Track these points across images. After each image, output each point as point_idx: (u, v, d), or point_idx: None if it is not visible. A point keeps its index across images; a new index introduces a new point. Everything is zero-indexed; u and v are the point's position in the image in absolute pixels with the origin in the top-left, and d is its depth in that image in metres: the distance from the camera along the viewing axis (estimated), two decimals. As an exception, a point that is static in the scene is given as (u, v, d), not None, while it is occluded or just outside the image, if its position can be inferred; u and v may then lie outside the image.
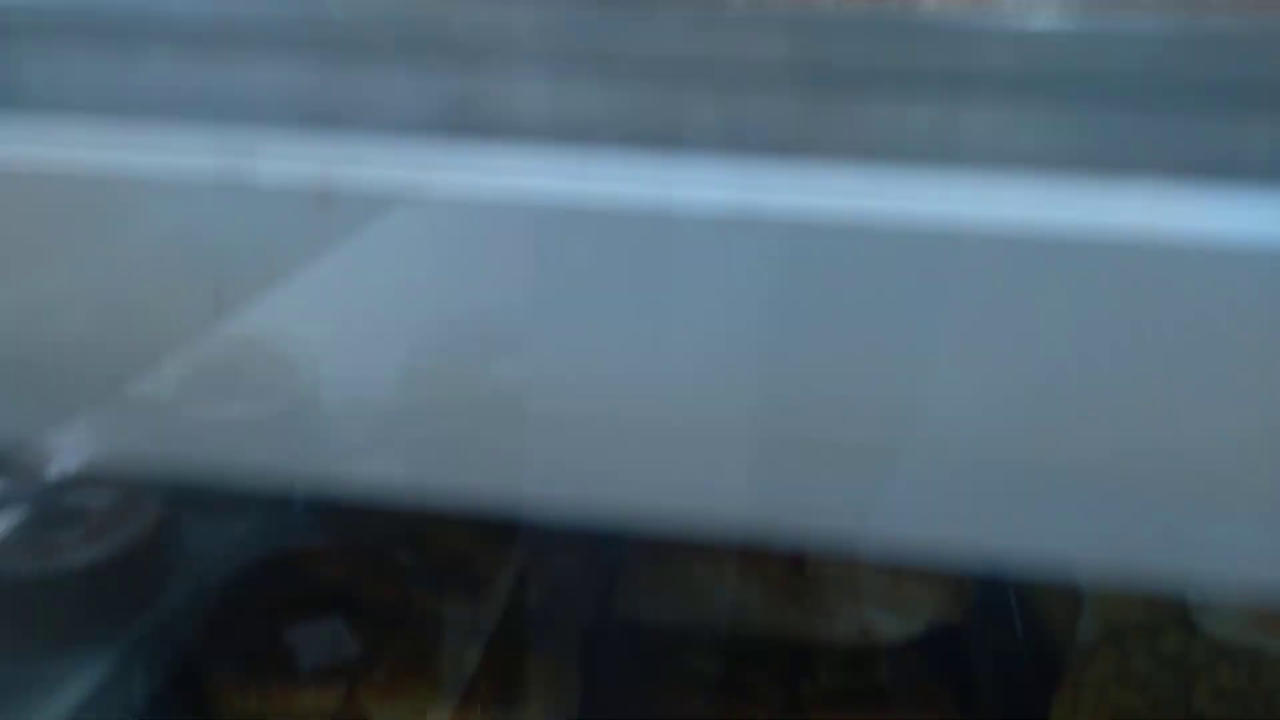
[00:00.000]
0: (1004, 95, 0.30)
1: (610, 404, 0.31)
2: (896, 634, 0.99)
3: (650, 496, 0.32)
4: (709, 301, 0.29)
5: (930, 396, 0.31)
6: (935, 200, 0.27)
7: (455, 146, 0.31)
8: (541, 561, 1.02)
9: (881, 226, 0.27)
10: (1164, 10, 0.30)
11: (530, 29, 0.32)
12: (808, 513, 0.34)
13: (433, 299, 0.30)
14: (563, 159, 0.29)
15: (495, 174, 0.30)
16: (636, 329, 0.30)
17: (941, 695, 0.94)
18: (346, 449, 0.33)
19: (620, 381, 0.30)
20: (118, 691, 0.86)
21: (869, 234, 0.27)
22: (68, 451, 0.34)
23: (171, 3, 0.37)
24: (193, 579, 0.94)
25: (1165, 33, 0.31)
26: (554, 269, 0.31)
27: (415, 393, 0.32)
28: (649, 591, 1.03)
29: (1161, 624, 0.87)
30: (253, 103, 0.35)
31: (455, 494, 0.33)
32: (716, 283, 0.30)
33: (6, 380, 0.34)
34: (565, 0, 0.31)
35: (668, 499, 0.33)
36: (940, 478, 0.32)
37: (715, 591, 1.02)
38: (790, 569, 1.00)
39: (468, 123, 0.34)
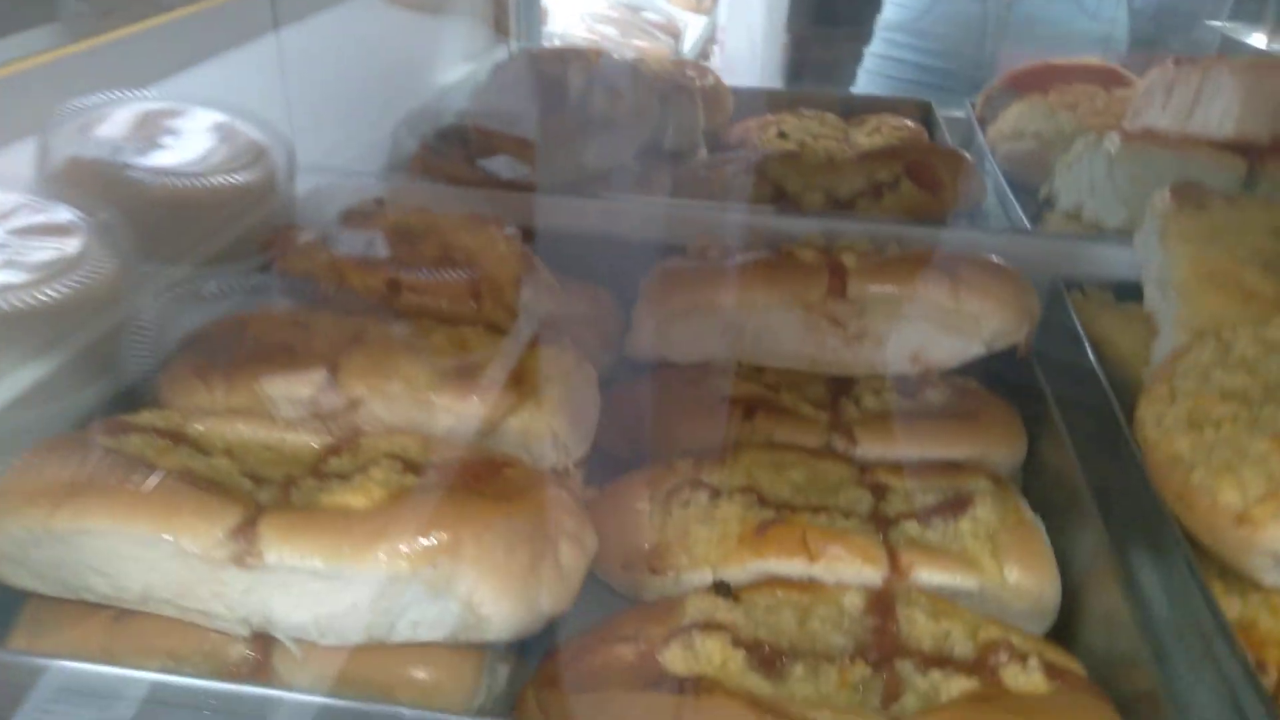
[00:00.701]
0: None
1: None
2: (952, 358, 0.89)
3: None
4: None
5: None
6: None
7: None
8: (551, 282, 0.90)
9: None
10: None
11: None
12: None
13: None
14: None
15: None
16: None
17: (1007, 414, 0.84)
18: None
19: None
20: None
21: None
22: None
23: None
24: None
25: None
26: None
27: None
28: (672, 325, 0.91)
29: (1264, 319, 0.77)
30: None
31: None
32: None
33: None
34: None
35: None
36: None
37: (747, 323, 0.90)
38: (832, 292, 0.88)
39: None
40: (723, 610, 0.62)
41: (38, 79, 0.90)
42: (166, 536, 0.56)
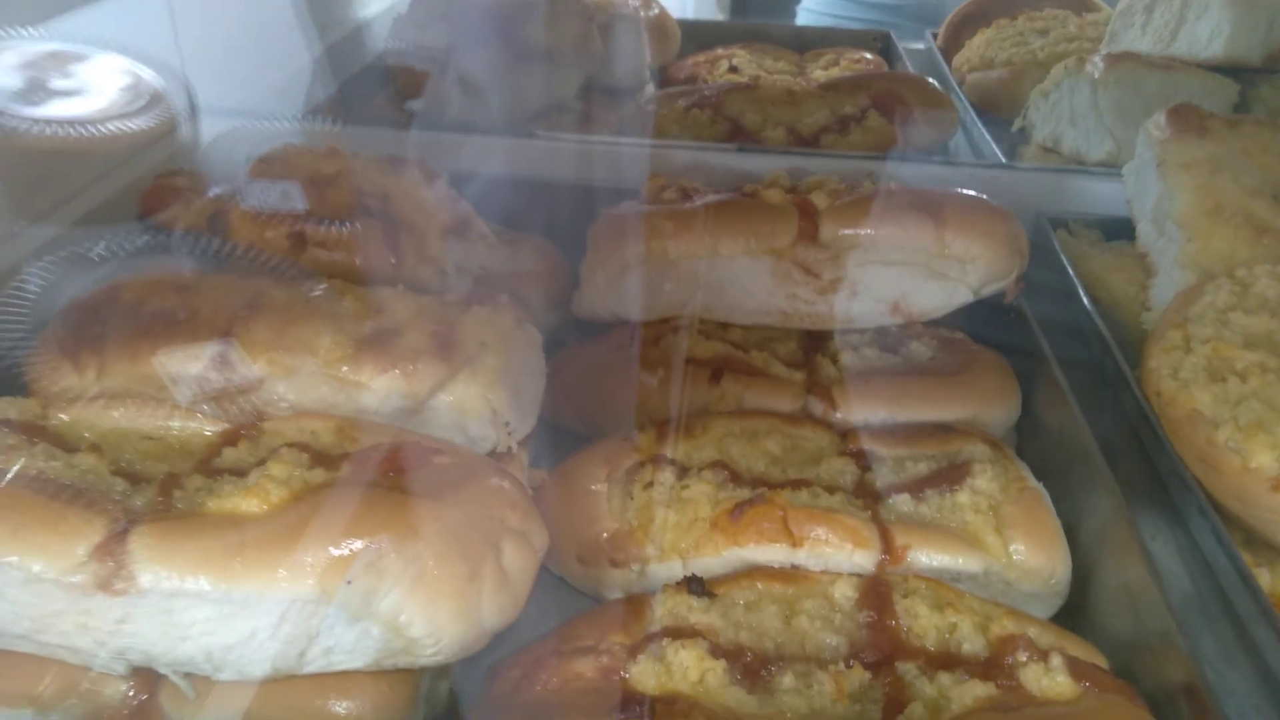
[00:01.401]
0: None
1: None
2: (937, 306, 0.80)
3: None
4: None
5: None
6: None
7: None
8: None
9: None
10: None
11: None
12: None
13: None
14: None
15: None
16: None
17: (1000, 368, 0.76)
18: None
19: None
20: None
21: None
22: None
23: None
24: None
25: None
26: None
27: None
28: (625, 278, 0.81)
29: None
30: None
31: None
32: None
33: None
34: None
35: None
36: None
37: (710, 274, 0.81)
38: (803, 237, 0.79)
39: None
40: (697, 611, 0.53)
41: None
42: (10, 559, 0.45)
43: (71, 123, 0.86)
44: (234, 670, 0.47)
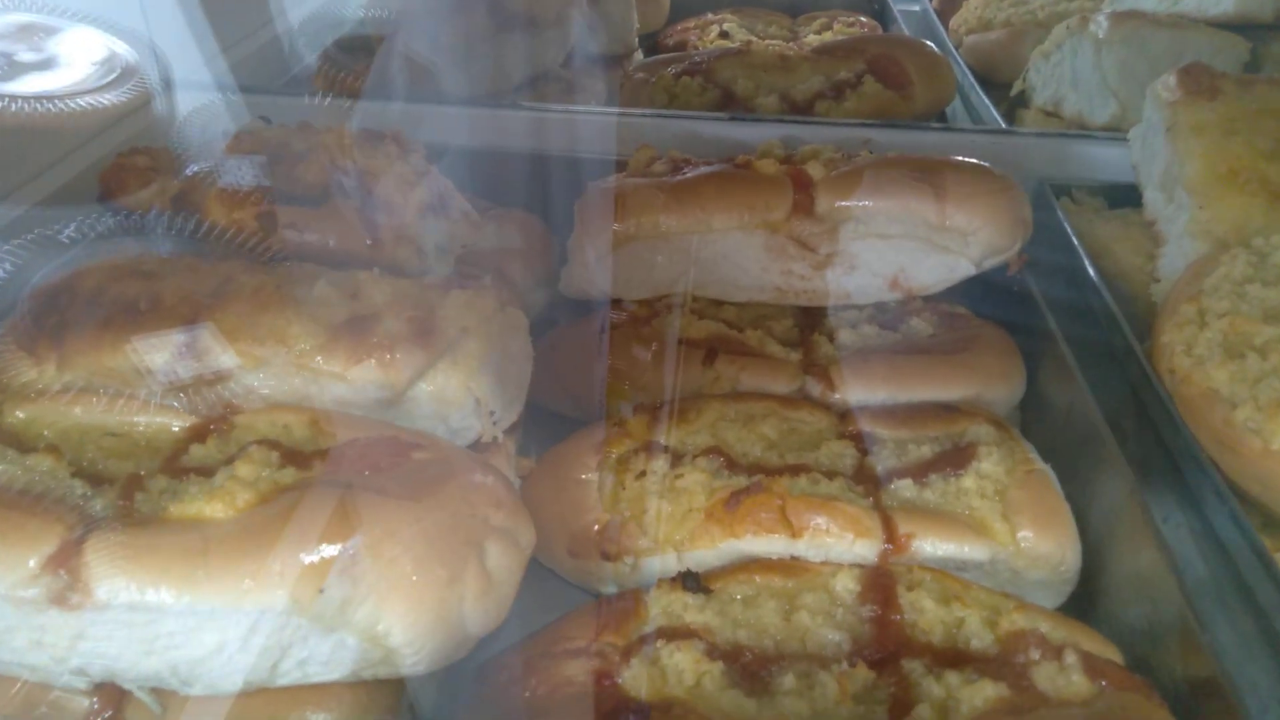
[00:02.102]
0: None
1: None
2: (938, 281, 0.77)
3: None
4: None
5: None
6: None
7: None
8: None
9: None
10: None
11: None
12: None
13: None
14: None
15: None
16: None
17: (1004, 343, 0.73)
18: None
19: None
20: None
21: None
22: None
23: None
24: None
25: None
26: None
27: None
28: (614, 254, 0.77)
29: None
30: None
31: None
32: None
33: None
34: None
35: None
36: None
37: (702, 250, 0.77)
38: (798, 210, 0.76)
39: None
40: (693, 609, 0.51)
41: None
42: (-43, 573, 0.42)
43: (41, 98, 0.82)
44: (204, 685, 0.45)
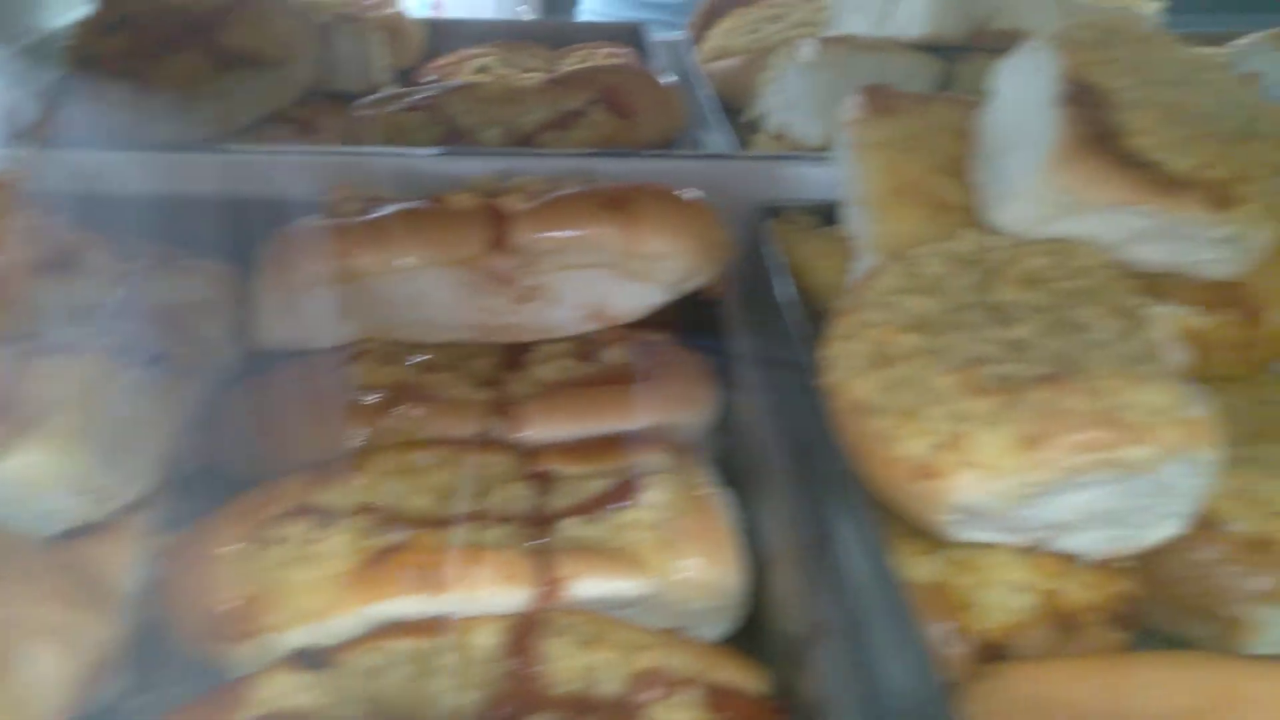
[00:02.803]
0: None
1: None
2: (635, 309, 0.76)
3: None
4: None
5: None
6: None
7: None
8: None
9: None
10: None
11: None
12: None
13: None
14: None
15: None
16: None
17: (693, 369, 0.72)
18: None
19: None
20: None
21: None
22: None
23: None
24: None
25: None
26: None
27: None
28: (302, 301, 0.73)
29: (953, 233, 0.69)
30: None
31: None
32: None
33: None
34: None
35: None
36: None
37: (395, 292, 0.74)
38: (493, 244, 0.73)
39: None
40: (304, 690, 0.46)
41: None
42: None
43: None
44: None
